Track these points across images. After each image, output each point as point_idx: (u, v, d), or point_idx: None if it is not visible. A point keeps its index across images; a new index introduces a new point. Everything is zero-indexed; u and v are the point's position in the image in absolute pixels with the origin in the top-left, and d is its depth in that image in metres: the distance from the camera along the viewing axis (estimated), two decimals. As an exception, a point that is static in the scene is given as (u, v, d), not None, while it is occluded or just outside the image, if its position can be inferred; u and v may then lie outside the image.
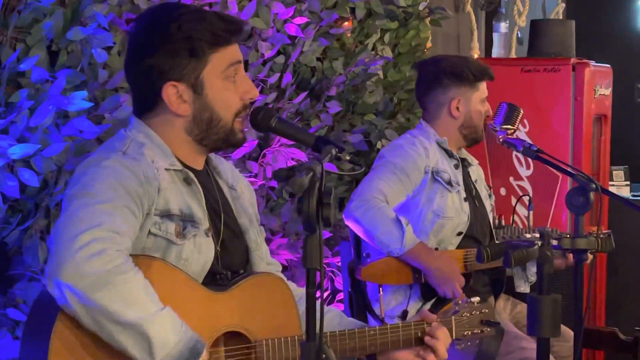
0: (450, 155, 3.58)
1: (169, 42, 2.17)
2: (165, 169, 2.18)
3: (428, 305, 3.41)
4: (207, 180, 2.31)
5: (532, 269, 3.63)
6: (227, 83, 2.22)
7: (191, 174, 2.23)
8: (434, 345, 2.35)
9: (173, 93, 2.18)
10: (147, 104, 2.23)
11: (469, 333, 2.47)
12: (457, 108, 3.59)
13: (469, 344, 2.50)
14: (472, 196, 3.62)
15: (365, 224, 3.34)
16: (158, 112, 2.22)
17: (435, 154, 3.53)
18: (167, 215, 2.14)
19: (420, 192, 3.49)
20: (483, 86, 3.62)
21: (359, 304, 3.53)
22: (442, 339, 2.36)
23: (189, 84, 2.19)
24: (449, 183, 3.51)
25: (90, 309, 1.92)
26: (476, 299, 2.50)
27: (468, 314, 2.47)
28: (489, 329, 2.51)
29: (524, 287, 3.67)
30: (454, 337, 2.43)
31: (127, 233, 2.02)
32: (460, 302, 2.48)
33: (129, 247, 2.01)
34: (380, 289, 3.45)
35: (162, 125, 2.23)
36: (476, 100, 3.60)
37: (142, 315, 1.93)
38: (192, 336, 1.99)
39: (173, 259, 2.13)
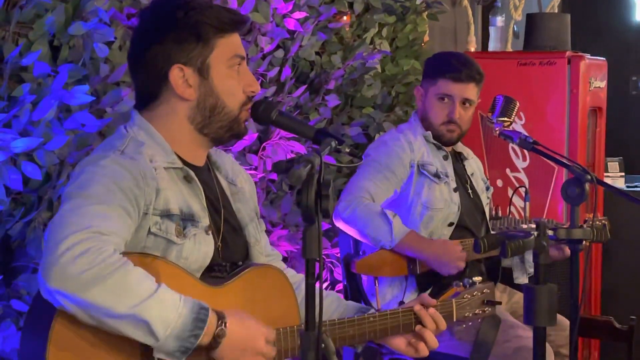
0: (438, 147, 3.58)
1: (176, 27, 2.17)
2: (164, 168, 2.17)
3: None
4: (207, 176, 2.30)
5: (531, 260, 3.63)
6: (231, 71, 2.23)
7: (191, 172, 2.22)
8: (423, 334, 2.35)
9: (180, 76, 2.18)
10: (152, 91, 2.22)
11: (470, 314, 2.45)
12: (421, 99, 3.62)
13: (470, 324, 2.48)
14: (464, 187, 3.62)
15: (354, 223, 3.34)
16: (162, 100, 2.21)
17: (420, 148, 3.52)
18: (167, 215, 2.13)
19: (408, 186, 3.49)
20: (442, 83, 3.52)
21: (355, 298, 3.53)
22: (432, 328, 2.35)
23: (195, 68, 2.19)
24: (436, 175, 3.50)
25: (85, 308, 1.91)
26: (478, 278, 2.47)
27: (469, 296, 2.45)
28: (490, 309, 2.49)
29: (522, 279, 3.67)
30: (455, 320, 2.42)
31: (117, 233, 1.99)
32: (461, 282, 2.46)
33: (118, 245, 1.98)
34: (376, 281, 3.45)
35: (164, 116, 2.22)
36: (432, 95, 3.56)
37: (136, 303, 1.91)
38: (194, 305, 1.96)
39: (173, 258, 2.12)
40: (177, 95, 2.20)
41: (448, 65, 3.54)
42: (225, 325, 2.00)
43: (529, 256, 3.62)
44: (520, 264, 3.66)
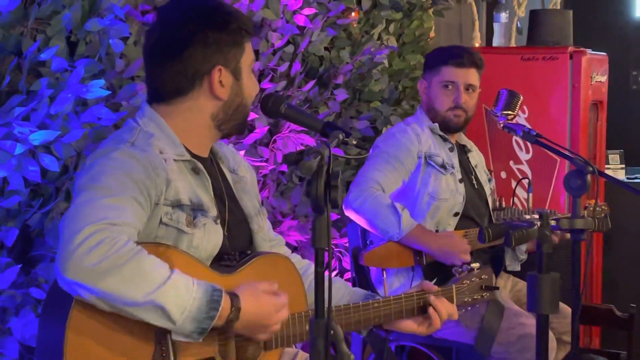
0: (444, 139, 3.58)
1: (219, 30, 2.18)
2: (174, 160, 2.17)
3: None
4: (211, 167, 2.30)
5: (522, 248, 3.63)
6: (251, 74, 2.28)
7: (199, 164, 2.22)
8: (433, 316, 2.36)
9: (217, 77, 2.19)
10: (180, 88, 2.20)
11: (469, 299, 2.47)
12: (424, 91, 3.62)
13: (469, 308, 2.49)
14: (469, 178, 3.61)
15: (363, 213, 3.34)
16: (190, 97, 2.21)
17: (427, 140, 3.52)
18: (178, 205, 2.13)
19: (415, 177, 3.48)
20: (445, 70, 3.55)
21: (363, 289, 3.52)
22: (441, 310, 2.37)
23: (230, 70, 2.21)
24: (442, 166, 3.50)
25: (103, 298, 1.91)
26: (476, 265, 2.50)
27: (468, 281, 2.46)
28: (487, 294, 2.50)
29: (513, 266, 3.67)
30: (455, 304, 2.43)
31: (131, 223, 1.99)
32: (460, 269, 2.47)
33: (132, 235, 1.98)
34: (384, 272, 3.44)
35: (186, 112, 2.21)
36: (436, 83, 3.57)
37: (151, 289, 1.91)
38: (207, 288, 1.97)
39: (184, 247, 2.12)
40: (212, 94, 2.21)
41: (449, 53, 3.57)
42: (239, 305, 2.01)
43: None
44: (512, 251, 3.66)
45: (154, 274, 1.94)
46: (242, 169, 2.40)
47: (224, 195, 2.29)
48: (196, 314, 1.95)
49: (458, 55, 3.55)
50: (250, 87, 2.27)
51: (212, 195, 2.23)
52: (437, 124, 3.57)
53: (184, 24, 2.19)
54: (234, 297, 2.02)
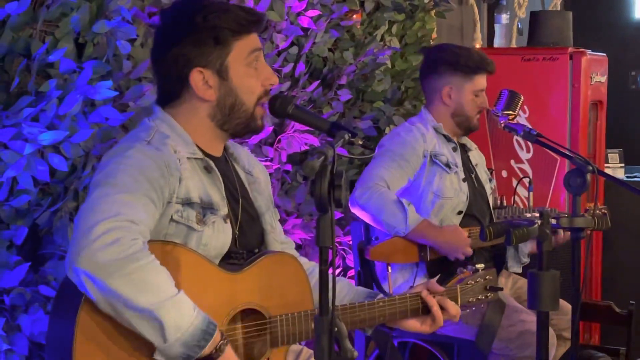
0: (448, 139, 3.58)
1: (195, 31, 2.16)
2: (187, 158, 2.16)
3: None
4: (225, 166, 2.29)
5: (525, 250, 3.62)
6: (249, 69, 2.21)
7: (211, 162, 2.22)
8: (436, 315, 2.34)
9: (199, 79, 2.17)
10: (174, 91, 2.21)
11: (474, 299, 2.45)
12: (450, 96, 3.59)
13: (473, 309, 2.48)
14: (471, 177, 3.61)
15: (370, 210, 3.34)
16: (184, 100, 2.21)
17: (432, 139, 3.53)
18: (188, 203, 2.13)
19: (421, 175, 3.48)
20: (479, 79, 3.57)
21: (368, 283, 3.53)
22: (437, 314, 2.35)
23: (214, 70, 2.18)
24: (447, 165, 3.50)
25: (107, 295, 1.90)
26: (480, 265, 2.48)
27: (472, 282, 2.45)
28: (492, 295, 2.48)
29: (515, 268, 3.66)
30: (459, 304, 2.41)
31: (144, 222, 1.99)
32: (465, 270, 2.46)
33: (146, 236, 1.98)
34: (389, 267, 3.44)
35: (186, 113, 2.21)
36: (468, 91, 3.57)
37: (155, 301, 1.90)
38: (205, 319, 1.96)
39: (193, 245, 2.12)
40: (198, 96, 2.19)
41: (484, 62, 3.58)
42: (226, 344, 1.99)
43: (523, 247, 3.62)
44: (514, 253, 3.65)
45: (161, 287, 1.93)
46: (256, 170, 2.40)
47: (238, 194, 2.28)
48: (188, 339, 1.93)
49: (489, 64, 3.59)
50: (248, 85, 2.21)
51: (224, 194, 2.22)
52: (441, 124, 3.57)
53: (168, 27, 2.20)
54: (224, 335, 2.00)
